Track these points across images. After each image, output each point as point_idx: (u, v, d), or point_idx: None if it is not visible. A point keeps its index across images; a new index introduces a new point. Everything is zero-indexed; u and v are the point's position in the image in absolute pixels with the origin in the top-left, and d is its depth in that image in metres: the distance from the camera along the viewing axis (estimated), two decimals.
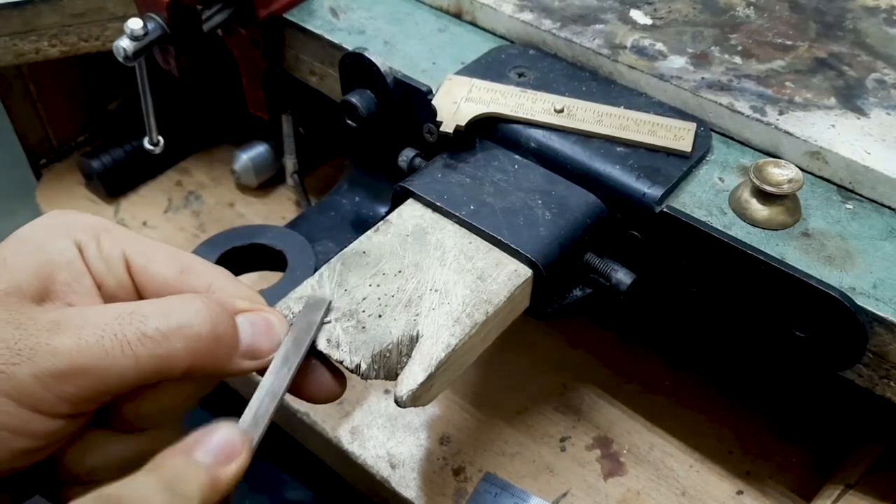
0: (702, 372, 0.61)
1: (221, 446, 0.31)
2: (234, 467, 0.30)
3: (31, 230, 0.34)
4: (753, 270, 0.42)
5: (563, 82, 0.51)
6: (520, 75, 0.52)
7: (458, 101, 0.48)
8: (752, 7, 0.57)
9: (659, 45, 0.53)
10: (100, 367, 0.30)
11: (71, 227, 0.34)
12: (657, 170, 0.46)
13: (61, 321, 0.31)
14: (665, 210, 0.44)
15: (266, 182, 0.77)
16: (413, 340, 0.38)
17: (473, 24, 0.58)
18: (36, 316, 0.31)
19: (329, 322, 0.38)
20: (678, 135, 0.47)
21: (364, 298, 0.40)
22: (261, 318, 0.35)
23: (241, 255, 0.54)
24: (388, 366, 0.38)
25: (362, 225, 0.58)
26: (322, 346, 0.38)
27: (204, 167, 0.81)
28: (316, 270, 0.43)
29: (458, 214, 0.44)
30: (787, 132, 0.47)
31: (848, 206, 0.45)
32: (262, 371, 0.35)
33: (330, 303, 0.39)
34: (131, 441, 0.33)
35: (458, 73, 0.52)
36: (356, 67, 0.51)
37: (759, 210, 0.43)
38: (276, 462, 0.64)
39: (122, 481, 0.29)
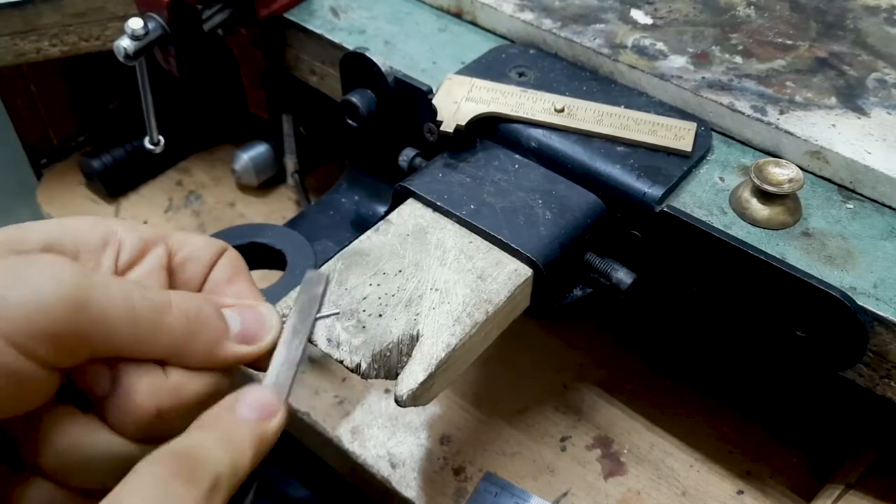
0: (700, 378, 0.61)
1: (260, 403, 0.32)
2: (275, 422, 0.32)
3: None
4: (754, 270, 0.42)
5: (564, 82, 0.51)
6: (520, 75, 0.52)
7: (458, 101, 0.48)
8: (752, 7, 0.57)
9: (659, 45, 0.53)
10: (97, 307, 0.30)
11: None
12: (658, 169, 0.46)
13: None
14: (665, 210, 0.44)
15: (266, 182, 0.77)
16: (413, 340, 0.38)
17: (474, 23, 0.58)
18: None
19: (329, 295, 0.39)
20: (679, 134, 0.47)
21: (364, 298, 0.40)
22: (248, 309, 0.35)
23: (241, 254, 0.54)
24: (388, 365, 0.38)
25: (362, 224, 0.58)
26: (322, 345, 0.38)
27: (204, 167, 0.81)
28: (315, 269, 0.43)
29: (458, 214, 0.44)
30: (787, 132, 0.47)
31: (848, 205, 0.45)
32: (260, 365, 0.35)
33: (328, 277, 0.40)
34: (122, 442, 0.32)
35: (459, 72, 0.52)
36: (357, 67, 0.52)
37: (760, 210, 0.43)
38: (276, 461, 0.64)
39: (180, 437, 0.30)
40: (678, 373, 0.61)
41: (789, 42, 0.54)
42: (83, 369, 0.31)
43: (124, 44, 0.53)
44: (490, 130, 0.49)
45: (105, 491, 0.29)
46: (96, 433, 0.31)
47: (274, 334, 0.35)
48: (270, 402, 0.33)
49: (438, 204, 0.44)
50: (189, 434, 0.30)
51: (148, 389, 0.31)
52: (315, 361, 0.61)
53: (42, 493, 0.30)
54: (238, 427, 0.31)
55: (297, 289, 0.39)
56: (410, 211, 0.45)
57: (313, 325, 0.37)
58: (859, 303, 0.40)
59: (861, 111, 0.48)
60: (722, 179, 0.46)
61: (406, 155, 0.52)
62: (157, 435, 0.31)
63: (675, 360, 0.62)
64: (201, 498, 0.28)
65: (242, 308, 0.35)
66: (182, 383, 0.32)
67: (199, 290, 0.37)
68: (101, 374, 0.31)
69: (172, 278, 0.36)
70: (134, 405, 0.30)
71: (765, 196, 0.43)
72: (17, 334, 0.28)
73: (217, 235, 0.54)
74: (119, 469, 0.30)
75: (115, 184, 0.77)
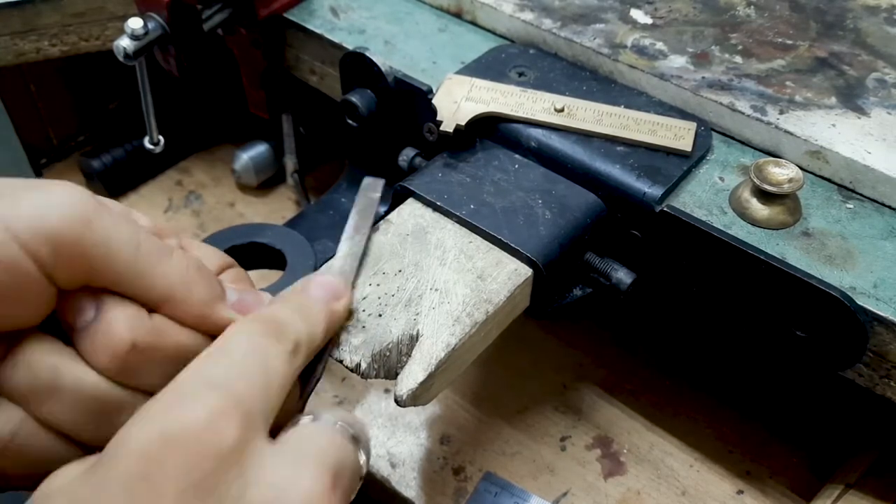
0: (700, 378, 0.61)
1: (329, 285, 0.36)
2: (343, 303, 0.36)
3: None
4: (754, 270, 0.42)
5: (564, 82, 0.51)
6: (520, 75, 0.52)
7: (458, 101, 0.48)
8: (752, 6, 0.57)
9: (659, 45, 0.53)
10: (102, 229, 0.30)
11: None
12: (657, 169, 0.46)
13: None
14: (665, 209, 0.44)
15: (266, 181, 0.77)
16: (413, 340, 0.38)
17: (474, 23, 0.58)
18: None
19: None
20: (678, 134, 0.47)
21: (364, 297, 0.40)
22: (246, 291, 0.36)
23: (241, 254, 0.54)
24: (387, 365, 0.38)
25: None
26: None
27: (204, 167, 0.81)
28: (315, 269, 0.43)
29: (458, 214, 0.44)
30: (787, 131, 0.47)
31: (848, 205, 0.45)
32: None
33: (384, 182, 0.43)
34: (95, 379, 0.31)
35: (459, 72, 0.52)
36: (357, 67, 0.51)
37: (760, 209, 0.43)
38: None
39: (264, 308, 0.34)
40: (678, 373, 0.61)
41: (789, 42, 0.54)
42: (72, 298, 0.31)
43: (124, 44, 0.53)
44: (490, 130, 0.49)
45: (78, 438, 0.30)
46: (73, 363, 0.31)
47: None
48: (338, 285, 0.36)
49: (438, 204, 0.44)
50: (270, 306, 0.34)
51: (128, 321, 0.31)
52: None
53: (7, 418, 0.30)
54: (312, 303, 0.35)
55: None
56: (410, 211, 0.45)
57: (373, 225, 0.40)
58: (859, 303, 0.40)
59: (861, 111, 0.48)
60: (722, 179, 0.46)
61: (406, 155, 0.52)
62: (129, 375, 0.31)
63: (675, 359, 0.62)
64: (288, 354, 0.31)
65: (241, 289, 0.36)
66: (164, 328, 0.32)
67: None
68: (88, 303, 0.31)
69: None
70: (111, 333, 0.31)
71: (765, 196, 0.43)
72: (24, 231, 0.29)
73: (217, 235, 0.54)
74: (87, 409, 0.30)
75: (115, 184, 0.77)
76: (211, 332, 0.33)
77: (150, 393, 0.29)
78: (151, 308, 0.32)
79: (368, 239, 0.40)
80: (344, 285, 0.37)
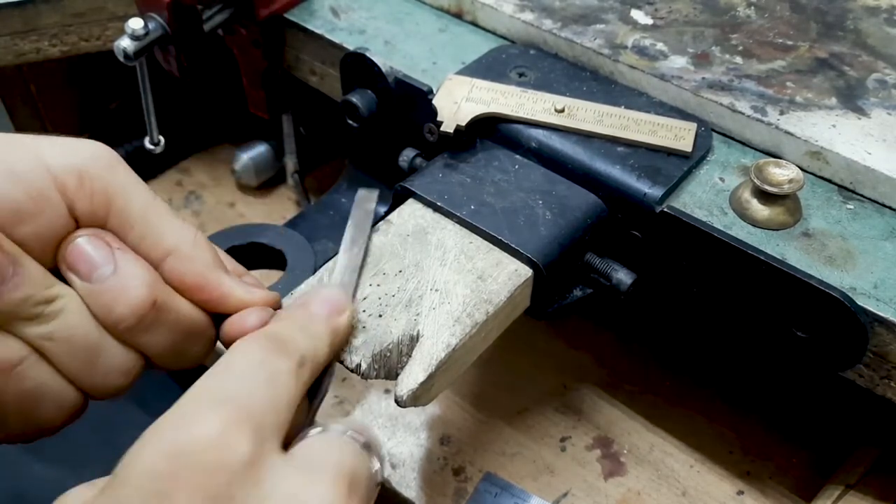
0: (700, 377, 0.61)
1: (330, 300, 0.36)
2: (345, 317, 0.36)
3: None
4: (754, 271, 0.42)
5: (564, 82, 0.51)
6: (520, 75, 0.52)
7: (458, 101, 0.48)
8: (752, 7, 0.57)
9: (660, 45, 0.53)
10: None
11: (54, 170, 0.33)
12: (658, 170, 0.46)
13: None
14: (666, 210, 0.44)
15: (266, 182, 0.77)
16: (413, 340, 0.38)
17: (474, 23, 0.58)
18: None
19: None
20: (679, 135, 0.47)
21: (364, 298, 0.40)
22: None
23: (241, 254, 0.54)
24: (388, 365, 0.38)
25: None
26: None
27: (204, 167, 0.81)
28: (315, 270, 0.43)
29: (458, 214, 0.44)
30: (787, 132, 0.47)
31: (849, 206, 0.45)
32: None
33: (379, 192, 0.44)
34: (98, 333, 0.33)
35: (459, 72, 0.52)
36: (357, 67, 0.51)
37: (760, 210, 0.43)
38: None
39: (268, 325, 0.34)
40: (678, 373, 0.61)
41: (789, 42, 0.54)
42: (84, 248, 0.32)
43: (124, 44, 0.53)
44: (490, 131, 0.49)
45: None
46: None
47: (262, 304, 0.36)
48: (339, 299, 0.36)
49: (439, 204, 0.44)
50: (272, 324, 0.34)
51: (148, 279, 0.32)
52: None
53: (19, 347, 0.31)
54: (314, 319, 0.34)
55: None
56: (411, 211, 0.45)
57: (370, 236, 0.41)
58: (859, 303, 0.40)
59: (861, 112, 0.48)
60: (722, 180, 0.46)
61: (406, 155, 0.52)
62: (138, 332, 0.33)
63: (675, 359, 0.62)
64: (293, 369, 0.31)
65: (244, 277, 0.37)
66: (173, 293, 0.34)
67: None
68: (104, 256, 0.32)
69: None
70: (131, 289, 0.32)
71: (765, 196, 0.43)
72: (55, 161, 0.32)
73: (217, 235, 0.54)
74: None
75: None
76: (210, 303, 0.34)
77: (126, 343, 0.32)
78: (155, 264, 0.33)
79: (366, 250, 0.40)
80: (345, 298, 0.36)
